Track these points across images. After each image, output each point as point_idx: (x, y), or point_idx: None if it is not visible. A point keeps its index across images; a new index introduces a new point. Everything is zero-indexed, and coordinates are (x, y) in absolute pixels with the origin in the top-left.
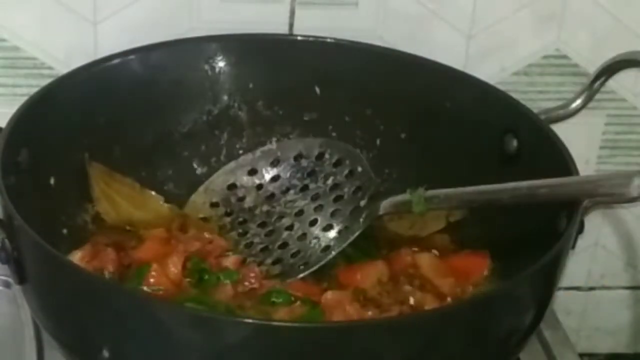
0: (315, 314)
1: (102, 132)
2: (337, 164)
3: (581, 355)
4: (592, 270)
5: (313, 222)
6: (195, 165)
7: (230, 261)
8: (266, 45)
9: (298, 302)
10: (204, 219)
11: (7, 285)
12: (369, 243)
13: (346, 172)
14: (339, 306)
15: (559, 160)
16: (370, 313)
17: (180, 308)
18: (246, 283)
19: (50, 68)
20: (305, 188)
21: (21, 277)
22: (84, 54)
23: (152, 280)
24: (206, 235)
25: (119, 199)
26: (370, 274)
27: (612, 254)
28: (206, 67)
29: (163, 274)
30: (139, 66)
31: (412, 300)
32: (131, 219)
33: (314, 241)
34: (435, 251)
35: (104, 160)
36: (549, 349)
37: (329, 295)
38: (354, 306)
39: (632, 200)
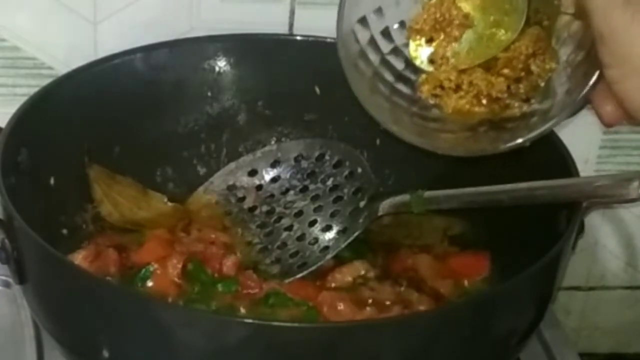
0: (311, 315)
1: (102, 132)
2: (337, 165)
3: (581, 355)
4: (592, 270)
5: (312, 223)
6: (195, 166)
7: (229, 264)
8: (266, 45)
9: (295, 305)
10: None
11: (7, 285)
12: (364, 246)
13: (346, 173)
14: (332, 305)
15: (559, 160)
16: (367, 312)
17: (180, 308)
18: (245, 291)
19: (50, 68)
20: (305, 189)
21: (21, 277)
22: (84, 54)
23: (153, 281)
24: (211, 235)
25: (121, 199)
26: (345, 273)
27: (612, 254)
28: (206, 67)
29: (164, 275)
30: (139, 66)
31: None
32: (135, 219)
33: (313, 242)
34: (434, 252)
35: (104, 160)
36: (549, 349)
37: (323, 294)
38: (347, 305)
39: (632, 201)
